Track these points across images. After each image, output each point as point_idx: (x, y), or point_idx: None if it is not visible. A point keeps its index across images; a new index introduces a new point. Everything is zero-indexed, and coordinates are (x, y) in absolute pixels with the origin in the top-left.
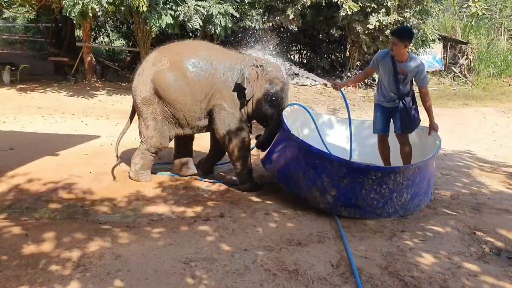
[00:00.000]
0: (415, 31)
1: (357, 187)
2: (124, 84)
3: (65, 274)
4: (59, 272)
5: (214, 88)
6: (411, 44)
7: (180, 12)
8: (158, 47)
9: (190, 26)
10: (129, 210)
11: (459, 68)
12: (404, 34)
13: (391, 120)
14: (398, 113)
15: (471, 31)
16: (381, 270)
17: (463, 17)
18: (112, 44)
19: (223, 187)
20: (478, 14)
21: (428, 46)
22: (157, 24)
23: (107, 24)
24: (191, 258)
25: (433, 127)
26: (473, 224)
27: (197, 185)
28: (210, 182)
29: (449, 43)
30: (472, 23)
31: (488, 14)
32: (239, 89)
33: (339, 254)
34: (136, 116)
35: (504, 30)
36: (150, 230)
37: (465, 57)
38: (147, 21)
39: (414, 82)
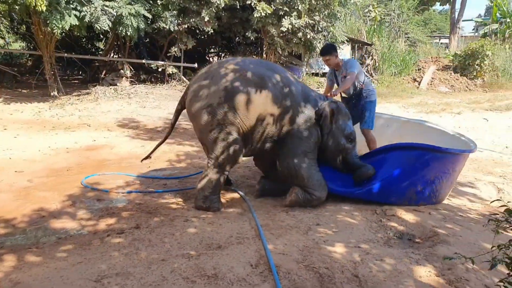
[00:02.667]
0: (325, 33)
1: None
2: (25, 91)
3: None
4: None
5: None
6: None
7: (86, 12)
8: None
9: (99, 27)
10: (31, 229)
11: (366, 68)
12: (330, 49)
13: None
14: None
15: (375, 33)
16: (298, 265)
17: (367, 21)
18: (9, 47)
19: (139, 196)
20: (378, 19)
21: (337, 47)
22: (60, 26)
23: (1, 25)
24: (103, 275)
25: (328, 93)
26: (379, 212)
27: (112, 196)
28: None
29: (356, 45)
30: (375, 26)
31: (388, 19)
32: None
33: (258, 253)
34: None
35: (402, 33)
36: (57, 249)
37: (370, 57)
38: (48, 22)
39: (360, 80)
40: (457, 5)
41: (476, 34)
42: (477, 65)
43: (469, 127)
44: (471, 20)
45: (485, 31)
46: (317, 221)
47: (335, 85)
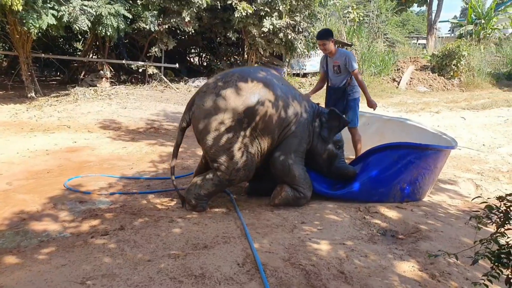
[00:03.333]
0: (306, 33)
1: None
2: (0, 92)
3: None
4: None
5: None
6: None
7: (64, 12)
8: (213, 76)
9: (77, 27)
10: (12, 233)
11: None
12: (327, 33)
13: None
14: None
15: (354, 34)
16: (284, 263)
17: (347, 21)
18: None
19: (123, 197)
20: (356, 20)
21: (318, 48)
22: (36, 25)
23: None
24: (88, 277)
25: (370, 104)
26: (363, 210)
27: (94, 198)
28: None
29: (336, 45)
30: (354, 27)
31: (367, 19)
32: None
33: (245, 252)
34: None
35: (381, 34)
36: (39, 252)
37: None
38: (24, 21)
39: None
40: (434, 7)
41: (452, 35)
42: (453, 65)
43: (447, 125)
44: (447, 21)
45: (461, 32)
46: (302, 220)
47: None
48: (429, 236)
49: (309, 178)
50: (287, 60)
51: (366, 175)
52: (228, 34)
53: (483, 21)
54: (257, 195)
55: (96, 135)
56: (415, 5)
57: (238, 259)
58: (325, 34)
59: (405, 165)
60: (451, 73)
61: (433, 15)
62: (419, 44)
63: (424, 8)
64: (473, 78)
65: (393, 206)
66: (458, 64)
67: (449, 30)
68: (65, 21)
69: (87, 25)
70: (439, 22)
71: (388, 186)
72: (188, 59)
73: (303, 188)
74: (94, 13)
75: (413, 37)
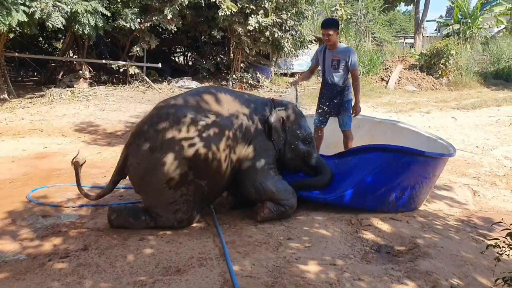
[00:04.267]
0: (293, 32)
1: None
2: None
3: None
4: None
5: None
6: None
7: (36, 8)
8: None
9: (51, 25)
10: None
11: None
12: (333, 23)
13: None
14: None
15: (342, 33)
16: None
17: None
18: None
19: (92, 210)
20: (344, 18)
21: (305, 47)
22: (6, 22)
23: None
24: None
25: (356, 108)
26: (355, 222)
27: (60, 212)
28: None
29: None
30: (342, 26)
31: (355, 18)
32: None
33: (222, 277)
34: None
35: (368, 33)
36: None
37: None
38: None
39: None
40: (421, 6)
41: (439, 34)
42: (442, 64)
43: (438, 126)
44: (434, 20)
45: (448, 32)
46: (288, 235)
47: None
48: (428, 252)
49: (288, 185)
50: (274, 59)
51: (358, 178)
52: (213, 33)
53: (469, 20)
54: (243, 207)
55: (70, 140)
56: (402, 4)
57: (214, 286)
58: (331, 23)
59: (401, 171)
60: (440, 72)
61: (420, 14)
62: (406, 43)
63: (410, 7)
64: (461, 77)
65: (387, 218)
66: (447, 63)
67: (435, 30)
68: (37, 18)
69: (62, 23)
70: (426, 21)
71: (383, 193)
72: (173, 58)
73: (285, 200)
74: (69, 10)
75: (400, 36)
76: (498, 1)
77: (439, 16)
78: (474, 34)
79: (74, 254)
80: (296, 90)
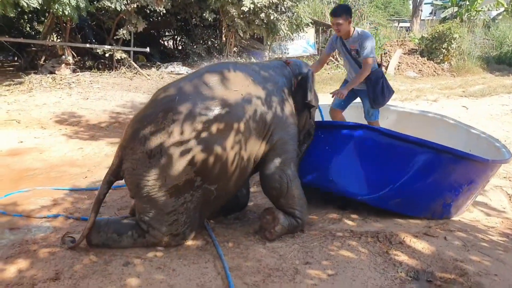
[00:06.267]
0: (289, 14)
1: None
2: None
3: None
4: None
5: None
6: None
7: None
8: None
9: (26, 4)
10: None
11: None
12: (344, 10)
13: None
14: (365, 96)
15: None
16: None
17: (331, 2)
18: None
19: (68, 222)
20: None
21: (302, 30)
22: None
23: None
24: None
25: (340, 90)
26: (382, 239)
27: (30, 223)
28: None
29: (320, 28)
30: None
31: (351, 0)
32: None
33: None
34: None
35: (366, 16)
36: None
37: None
38: None
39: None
40: None
41: (434, 17)
42: (444, 48)
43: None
44: (430, 3)
45: (446, 15)
46: (305, 258)
47: (351, 62)
48: (481, 283)
49: (304, 195)
50: (268, 43)
51: (401, 178)
52: (204, 15)
53: (467, 3)
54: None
55: (49, 132)
56: None
57: None
58: (341, 11)
59: (457, 175)
60: (441, 57)
61: None
62: (400, 27)
63: None
64: (464, 62)
65: (420, 234)
66: (449, 48)
67: (430, 13)
68: None
69: (38, 2)
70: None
71: (430, 198)
72: (162, 42)
73: (299, 211)
74: None
75: (394, 20)
76: None
77: None
78: (472, 17)
79: (41, 286)
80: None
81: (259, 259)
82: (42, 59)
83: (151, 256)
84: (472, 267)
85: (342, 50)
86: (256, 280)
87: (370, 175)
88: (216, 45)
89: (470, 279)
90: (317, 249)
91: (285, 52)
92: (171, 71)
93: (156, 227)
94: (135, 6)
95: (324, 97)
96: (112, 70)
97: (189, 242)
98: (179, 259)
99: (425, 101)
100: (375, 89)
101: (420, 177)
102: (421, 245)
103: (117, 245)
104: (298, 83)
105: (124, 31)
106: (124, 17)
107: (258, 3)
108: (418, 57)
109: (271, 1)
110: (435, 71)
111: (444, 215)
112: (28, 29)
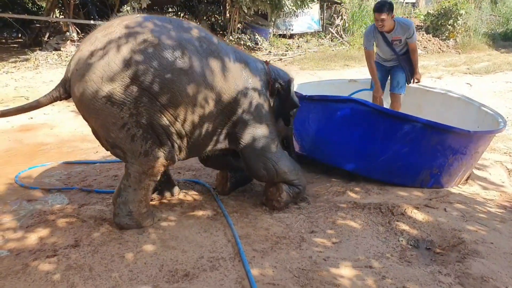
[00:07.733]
0: None
1: None
2: None
3: None
4: None
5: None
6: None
7: None
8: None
9: None
10: None
11: (336, 29)
12: (387, 5)
13: (388, 78)
14: (398, 69)
15: None
16: None
17: None
18: None
19: (82, 194)
20: None
21: (307, 6)
22: None
23: None
24: None
25: (416, 75)
26: (385, 210)
27: (47, 194)
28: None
29: (325, 4)
30: None
31: None
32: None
33: (240, 284)
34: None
35: None
36: None
37: (340, 17)
38: None
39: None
40: None
41: None
42: (449, 25)
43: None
44: None
45: None
46: (310, 227)
47: (386, 50)
48: (477, 250)
49: (295, 162)
50: (272, 19)
51: (389, 149)
52: None
53: None
54: (242, 185)
55: (57, 109)
56: None
57: None
58: (384, 6)
59: (442, 147)
60: (446, 34)
61: None
62: (406, 3)
63: None
64: (469, 39)
65: (421, 205)
66: (455, 24)
67: None
68: None
69: None
70: None
71: (417, 168)
72: None
73: (297, 179)
74: None
75: None
76: None
77: None
78: None
79: (63, 252)
80: None
81: (267, 228)
82: (46, 36)
83: (164, 225)
84: (469, 236)
85: (381, 42)
86: (264, 247)
87: (361, 147)
88: (219, 21)
89: (467, 247)
90: (322, 219)
91: (289, 29)
92: None
93: (122, 146)
94: None
95: (331, 73)
96: None
97: (200, 213)
98: (191, 227)
99: (429, 78)
100: (411, 64)
101: (405, 149)
102: (421, 216)
103: (132, 206)
104: (277, 89)
105: (128, 8)
106: None
107: None
108: (423, 34)
109: None
110: (440, 48)
111: (433, 184)
112: (30, 5)
